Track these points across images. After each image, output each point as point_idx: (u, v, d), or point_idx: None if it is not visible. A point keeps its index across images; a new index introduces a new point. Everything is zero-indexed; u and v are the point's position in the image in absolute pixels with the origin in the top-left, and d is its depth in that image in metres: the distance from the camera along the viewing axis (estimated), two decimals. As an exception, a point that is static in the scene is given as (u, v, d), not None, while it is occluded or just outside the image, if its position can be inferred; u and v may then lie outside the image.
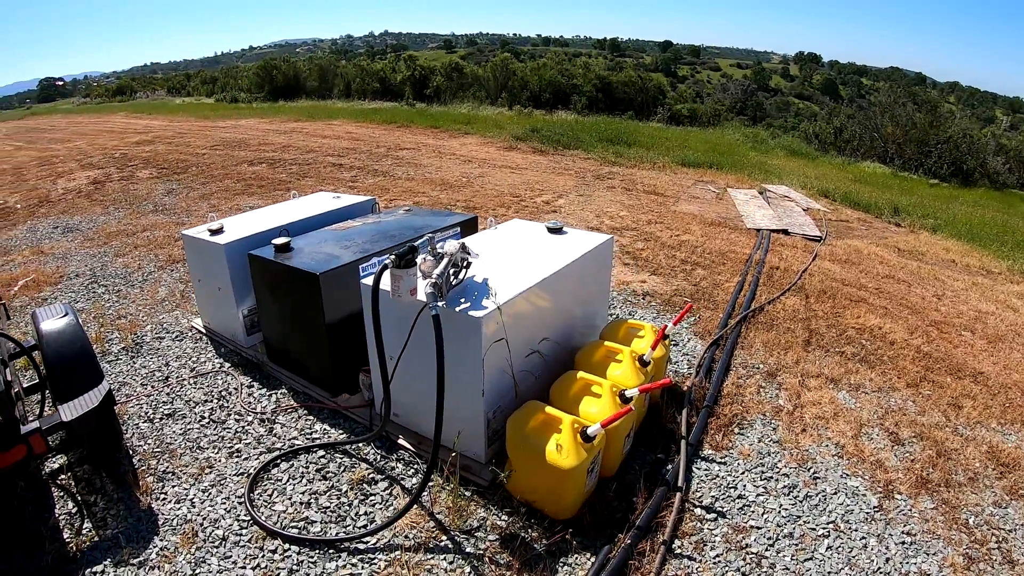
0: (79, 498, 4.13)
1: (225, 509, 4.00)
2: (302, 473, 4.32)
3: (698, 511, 4.02)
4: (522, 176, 15.02)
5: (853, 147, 30.07)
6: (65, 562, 3.60)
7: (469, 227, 6.08)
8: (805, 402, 5.29)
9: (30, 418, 3.92)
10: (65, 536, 3.80)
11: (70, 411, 3.79)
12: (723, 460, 4.51)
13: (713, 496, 4.15)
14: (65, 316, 4.40)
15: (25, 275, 8.34)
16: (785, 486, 4.25)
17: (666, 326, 4.73)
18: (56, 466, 4.43)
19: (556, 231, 5.36)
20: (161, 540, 3.77)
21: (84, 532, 3.83)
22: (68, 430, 3.85)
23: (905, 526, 3.94)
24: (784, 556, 3.67)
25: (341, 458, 4.46)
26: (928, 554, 3.72)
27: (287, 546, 3.70)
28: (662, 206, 12.48)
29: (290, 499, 4.07)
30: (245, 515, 3.94)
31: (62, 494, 4.17)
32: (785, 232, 11.16)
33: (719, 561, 3.64)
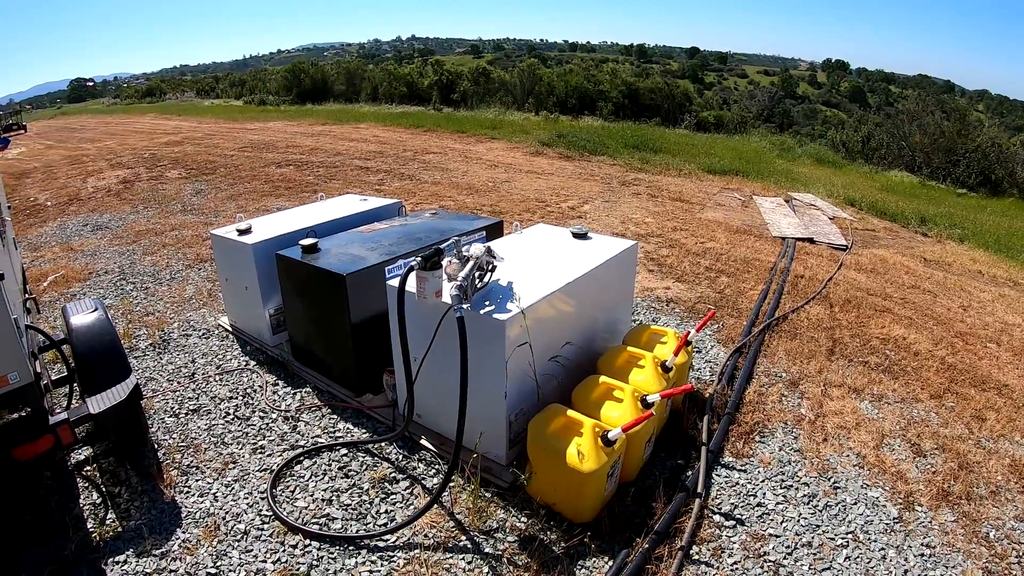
0: (104, 489, 4.21)
1: (247, 504, 4.07)
2: (324, 470, 4.37)
3: (717, 518, 4.01)
4: (548, 181, 15.05)
5: (880, 155, 29.80)
6: (89, 551, 3.68)
7: (495, 231, 6.12)
8: (827, 411, 5.26)
9: (57, 410, 4.00)
10: (89, 526, 3.89)
11: (98, 404, 3.87)
12: (743, 468, 4.50)
13: (732, 503, 4.15)
14: (95, 311, 4.49)
15: (55, 271, 8.50)
16: (805, 495, 4.24)
17: (689, 332, 4.74)
18: (82, 457, 4.53)
19: (581, 236, 5.38)
20: (184, 532, 3.84)
21: (108, 522, 3.92)
22: (95, 422, 3.93)
23: (925, 538, 3.91)
24: (802, 565, 3.65)
25: (363, 457, 4.51)
26: (947, 567, 3.69)
27: (308, 542, 3.75)
28: (687, 213, 12.45)
29: (312, 496, 4.13)
30: (267, 510, 4.00)
31: (87, 485, 4.27)
32: (811, 241, 11.10)
33: (737, 568, 3.63)
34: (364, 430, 4.85)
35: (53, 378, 4.77)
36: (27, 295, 5.23)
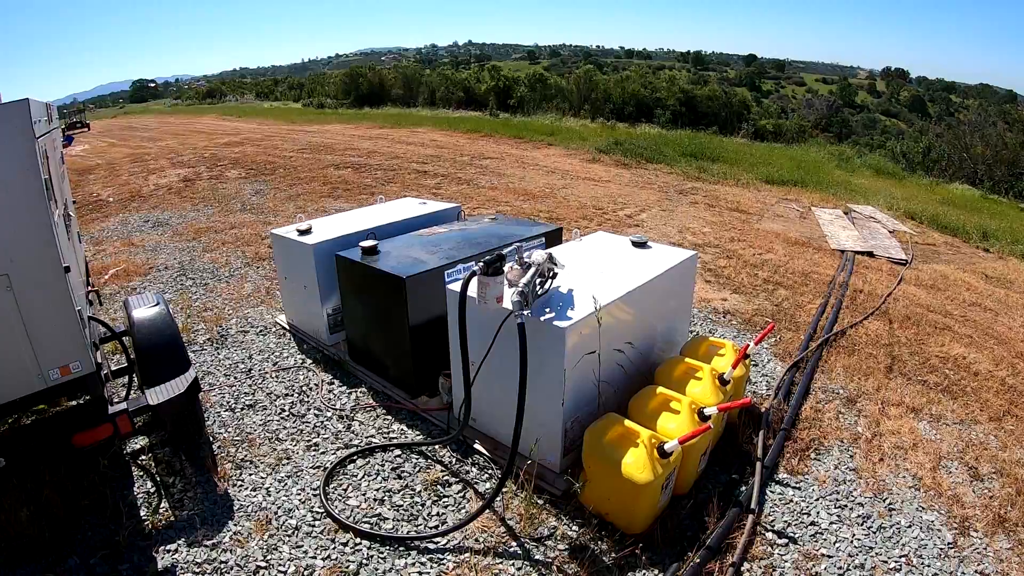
0: (158, 479, 4.31)
1: (300, 500, 4.12)
2: (377, 470, 4.41)
3: (769, 535, 3.95)
4: (605, 189, 15.03)
5: (941, 167, 29.02)
6: (140, 538, 3.77)
7: (554, 238, 6.10)
8: (884, 430, 5.14)
9: (115, 400, 4.09)
10: (142, 514, 3.98)
11: (157, 395, 3.95)
12: (798, 485, 4.42)
13: (786, 521, 4.07)
14: (156, 305, 4.58)
15: (116, 265, 8.72)
16: (859, 515, 4.14)
17: (748, 345, 4.67)
18: (138, 447, 4.63)
19: (641, 245, 5.35)
20: (235, 525, 3.91)
21: (161, 511, 4.00)
22: (153, 413, 4.01)
23: (979, 565, 3.78)
24: (856, 588, 3.58)
25: (416, 459, 4.54)
26: (1003, 596, 3.58)
27: (358, 540, 3.79)
28: (745, 223, 12.30)
29: (364, 495, 4.17)
30: (319, 507, 4.05)
31: (142, 474, 4.36)
32: (870, 254, 10.87)
33: (789, 587, 3.57)
34: (418, 432, 4.88)
35: (113, 369, 4.88)
36: (89, 287, 5.36)
